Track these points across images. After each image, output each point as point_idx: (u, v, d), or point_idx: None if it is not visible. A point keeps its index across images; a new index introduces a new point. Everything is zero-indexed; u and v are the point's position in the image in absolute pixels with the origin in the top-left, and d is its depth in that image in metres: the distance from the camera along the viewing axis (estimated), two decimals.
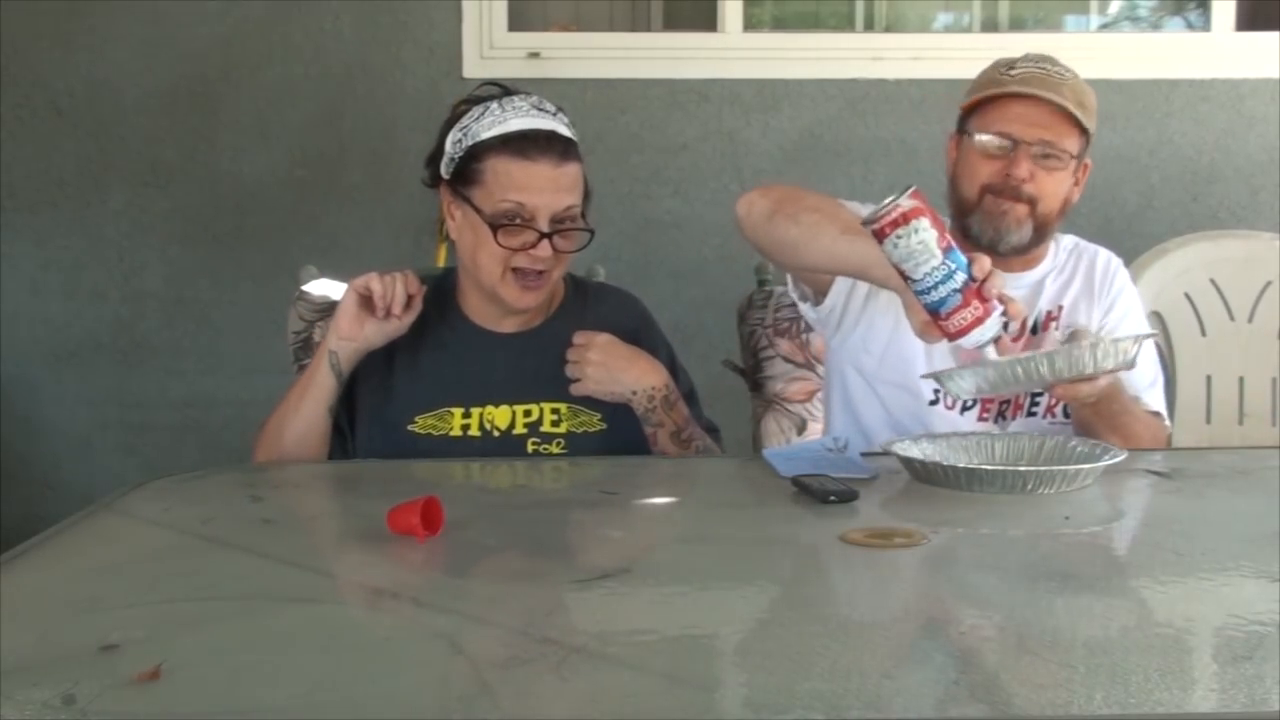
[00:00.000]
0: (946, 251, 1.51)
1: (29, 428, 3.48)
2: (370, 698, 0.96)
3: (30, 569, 1.32)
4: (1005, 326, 1.56)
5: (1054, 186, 1.93)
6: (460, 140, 1.88)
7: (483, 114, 1.87)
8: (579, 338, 1.91)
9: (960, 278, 1.51)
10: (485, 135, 1.85)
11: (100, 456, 3.48)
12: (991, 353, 1.57)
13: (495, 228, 1.83)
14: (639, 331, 2.00)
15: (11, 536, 1.41)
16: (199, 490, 1.68)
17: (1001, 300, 1.53)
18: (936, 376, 1.67)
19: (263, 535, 1.47)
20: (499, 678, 1.01)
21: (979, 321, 1.52)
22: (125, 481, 1.71)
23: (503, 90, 1.91)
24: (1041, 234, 1.97)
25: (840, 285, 1.98)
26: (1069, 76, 1.94)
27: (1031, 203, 1.92)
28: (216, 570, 1.32)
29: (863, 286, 1.98)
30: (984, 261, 1.53)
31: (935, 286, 1.51)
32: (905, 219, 1.50)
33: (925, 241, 1.50)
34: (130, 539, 1.48)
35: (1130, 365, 1.65)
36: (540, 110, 1.88)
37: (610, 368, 1.88)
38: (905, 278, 1.54)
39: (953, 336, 1.54)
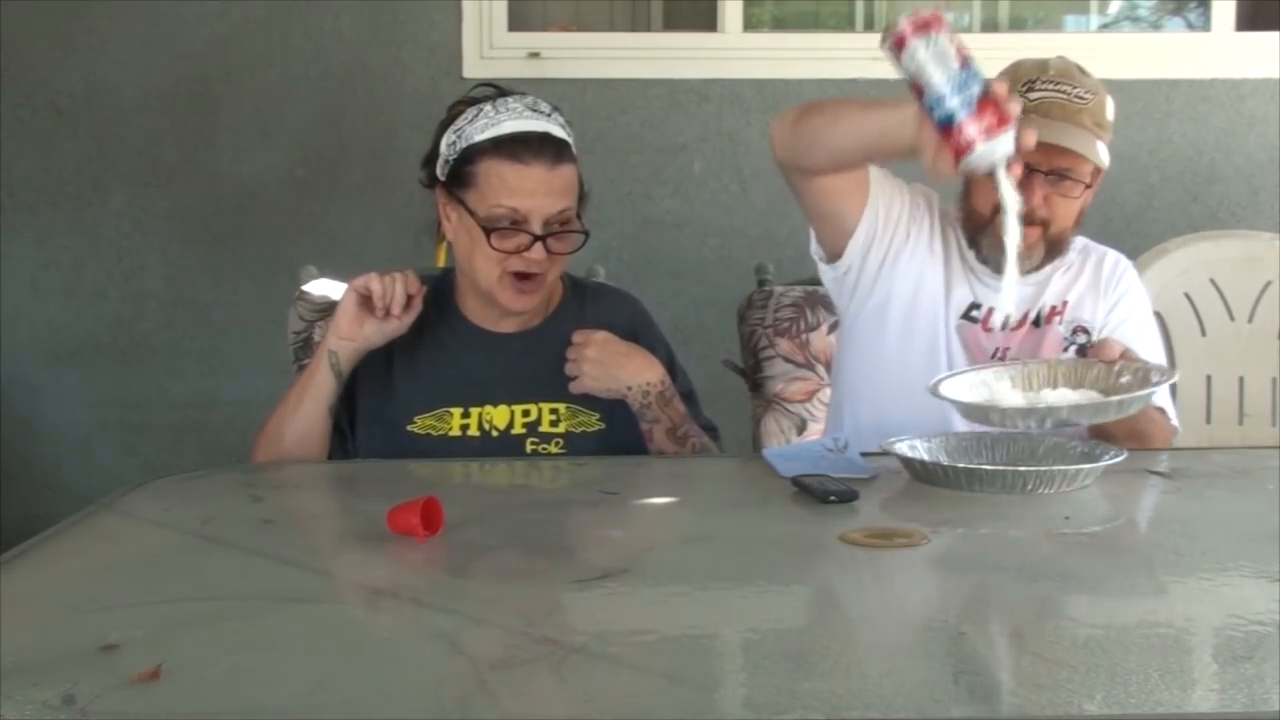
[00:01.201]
0: (965, 62, 1.49)
1: (29, 428, 3.48)
2: (370, 698, 0.96)
3: (30, 569, 1.32)
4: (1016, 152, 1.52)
5: (1067, 208, 1.92)
6: (454, 142, 1.88)
7: (476, 116, 1.87)
8: (578, 336, 1.91)
9: (976, 89, 1.48)
10: (478, 138, 1.85)
11: (100, 456, 3.48)
12: (1002, 175, 1.52)
13: (489, 231, 1.83)
14: (637, 330, 2.01)
15: (11, 536, 1.42)
16: (199, 490, 1.68)
17: (1018, 122, 1.49)
18: (956, 403, 1.68)
19: (263, 535, 1.47)
20: (498, 678, 1.01)
21: (989, 133, 1.48)
22: (125, 481, 1.71)
23: (497, 91, 1.91)
24: (1055, 251, 1.97)
25: (859, 239, 1.97)
26: (1089, 100, 1.90)
27: (1044, 224, 1.91)
28: (216, 570, 1.32)
29: (879, 247, 1.98)
30: (1003, 84, 1.51)
31: (950, 95, 1.48)
32: (927, 26, 1.49)
33: (943, 50, 1.49)
34: (130, 539, 1.48)
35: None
36: (535, 111, 1.88)
37: (606, 364, 1.89)
38: (920, 93, 1.51)
39: (961, 151, 1.49)
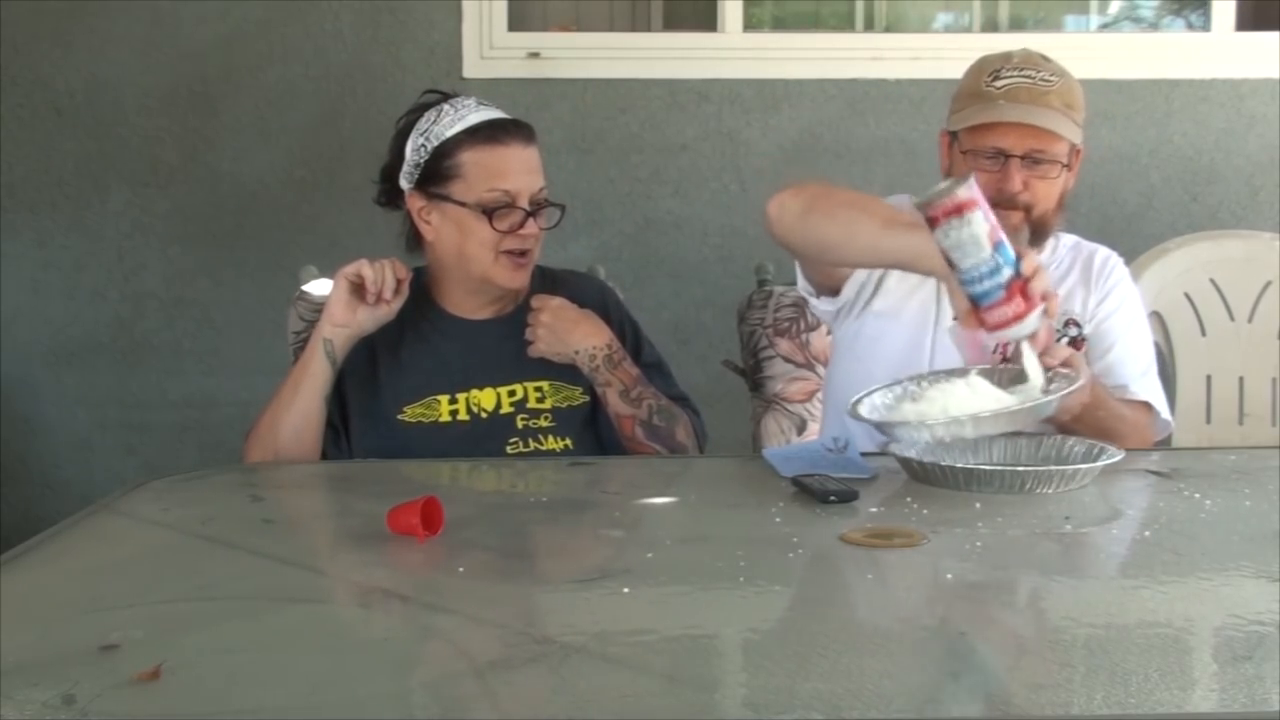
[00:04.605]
0: (996, 246, 1.52)
1: (29, 428, 3.48)
2: (370, 698, 0.96)
3: (30, 569, 1.32)
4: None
5: (1047, 189, 1.95)
6: (423, 145, 1.95)
7: (438, 117, 1.96)
8: (535, 302, 1.98)
9: (1007, 273, 1.52)
10: (451, 132, 1.93)
11: (100, 456, 3.47)
12: (1026, 348, 1.59)
13: (489, 212, 1.90)
14: (608, 308, 2.07)
15: (11, 536, 1.42)
16: (199, 490, 1.69)
17: (1045, 298, 1.55)
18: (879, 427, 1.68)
19: (263, 535, 1.47)
20: (499, 678, 1.01)
21: (1019, 319, 1.54)
22: (125, 481, 1.71)
23: (442, 95, 2.01)
24: (1041, 234, 1.99)
25: (853, 281, 2.00)
26: (1055, 82, 1.93)
27: (1027, 209, 1.94)
28: (216, 570, 1.32)
29: (871, 282, 2.01)
30: (1032, 258, 1.55)
31: (980, 279, 1.53)
32: (960, 210, 1.51)
33: (976, 235, 1.51)
34: (130, 539, 1.48)
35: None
36: (485, 105, 1.98)
37: (556, 330, 1.96)
38: (952, 265, 1.55)
39: (991, 329, 1.56)
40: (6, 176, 3.41)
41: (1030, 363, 1.61)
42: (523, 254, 1.94)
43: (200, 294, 3.46)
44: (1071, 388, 1.66)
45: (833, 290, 2.02)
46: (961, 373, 1.75)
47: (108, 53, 3.39)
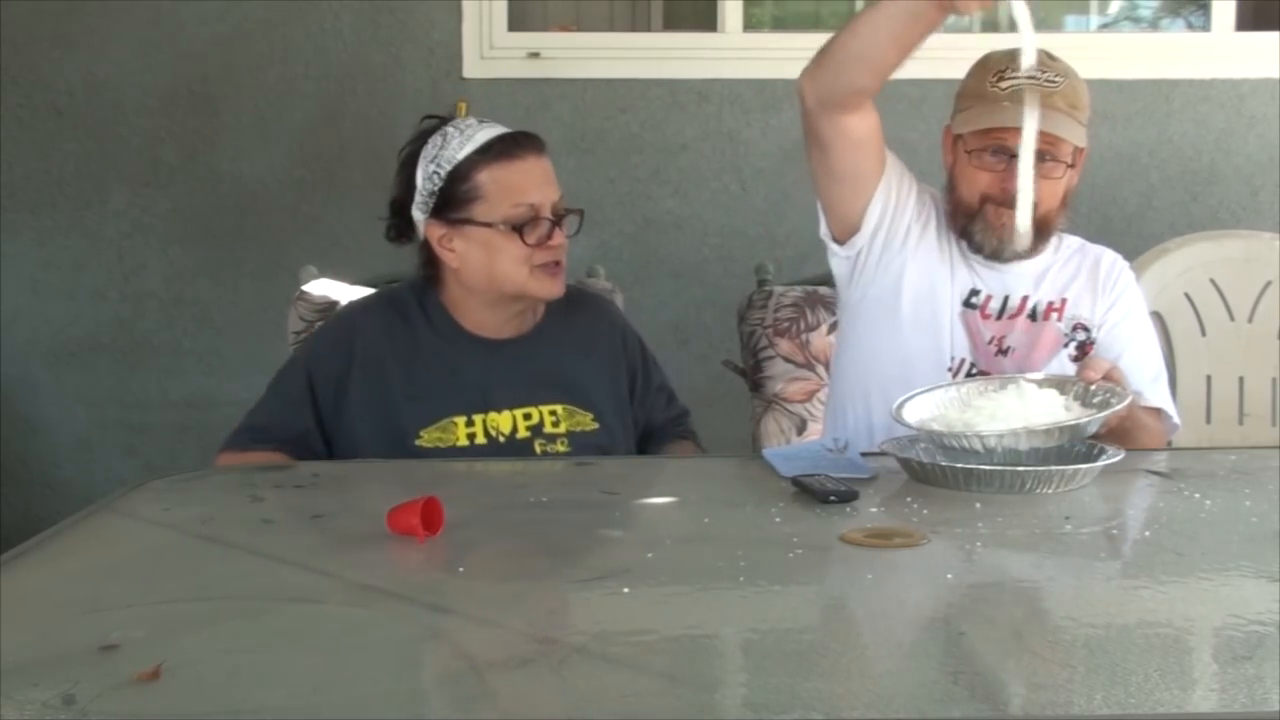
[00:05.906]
0: None
1: (29, 428, 3.48)
2: (370, 698, 0.96)
3: (30, 569, 1.32)
4: None
5: (1051, 189, 1.94)
6: (436, 171, 1.89)
7: (444, 141, 1.90)
8: None
9: None
10: (462, 154, 1.88)
11: (100, 456, 3.48)
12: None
13: (519, 228, 1.87)
14: (625, 329, 2.06)
15: (11, 536, 1.42)
16: (199, 490, 1.68)
17: None
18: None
19: (263, 535, 1.47)
20: (499, 678, 1.01)
21: None
22: (125, 481, 1.71)
23: (440, 119, 1.95)
24: (1045, 233, 1.99)
25: (873, 213, 1.99)
26: (1060, 83, 1.92)
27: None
28: (216, 570, 1.32)
29: (889, 227, 2.00)
30: None
31: None
32: None
33: None
34: (130, 539, 1.48)
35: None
36: (487, 123, 1.94)
37: None
38: None
39: None
40: (6, 176, 3.41)
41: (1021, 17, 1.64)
42: (556, 263, 1.91)
43: (200, 294, 3.46)
44: (1121, 405, 1.67)
45: (853, 227, 2.00)
46: (1010, 380, 1.76)
47: (108, 53, 3.39)
